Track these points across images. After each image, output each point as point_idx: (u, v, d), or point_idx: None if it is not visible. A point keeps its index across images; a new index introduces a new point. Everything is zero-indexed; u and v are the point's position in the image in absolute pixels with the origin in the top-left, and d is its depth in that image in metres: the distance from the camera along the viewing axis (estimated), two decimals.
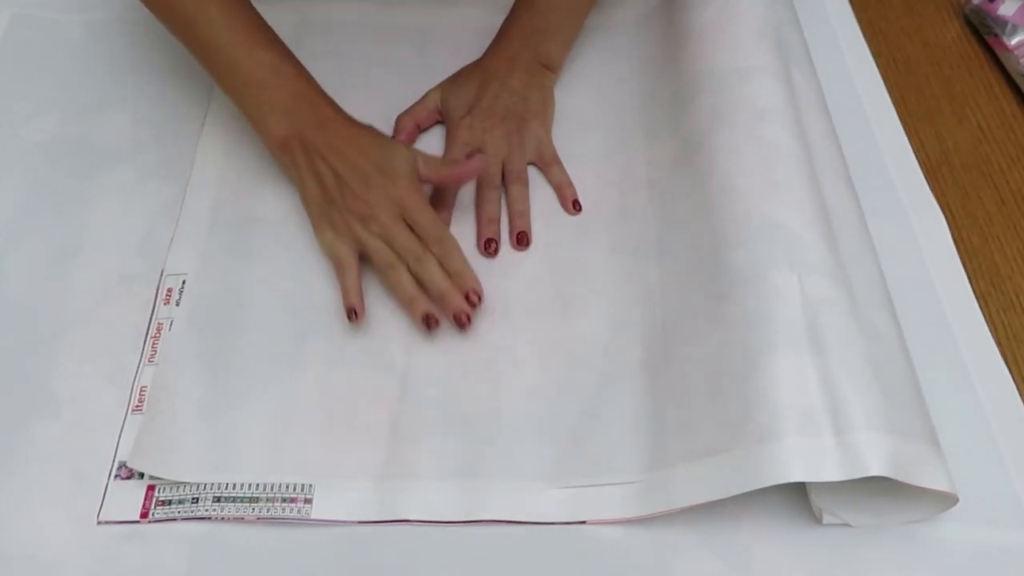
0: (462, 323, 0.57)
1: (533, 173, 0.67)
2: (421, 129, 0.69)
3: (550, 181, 0.66)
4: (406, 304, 0.58)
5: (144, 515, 0.51)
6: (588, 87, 0.71)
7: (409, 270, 0.58)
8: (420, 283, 0.58)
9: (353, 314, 0.57)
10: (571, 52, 0.71)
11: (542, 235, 0.63)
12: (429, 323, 0.57)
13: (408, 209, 0.59)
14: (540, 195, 0.65)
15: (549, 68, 0.69)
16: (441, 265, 0.58)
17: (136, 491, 0.52)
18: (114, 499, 0.51)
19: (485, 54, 0.70)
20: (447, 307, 0.57)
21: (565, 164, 0.67)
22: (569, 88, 0.71)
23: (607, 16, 0.75)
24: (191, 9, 0.60)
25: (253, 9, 0.62)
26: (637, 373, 0.56)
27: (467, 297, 0.57)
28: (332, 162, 0.59)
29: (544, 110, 0.68)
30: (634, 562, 0.50)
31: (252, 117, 0.61)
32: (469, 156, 0.64)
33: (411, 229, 0.59)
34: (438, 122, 0.69)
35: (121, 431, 0.54)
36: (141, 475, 0.52)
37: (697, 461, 0.49)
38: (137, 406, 0.55)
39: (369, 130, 0.62)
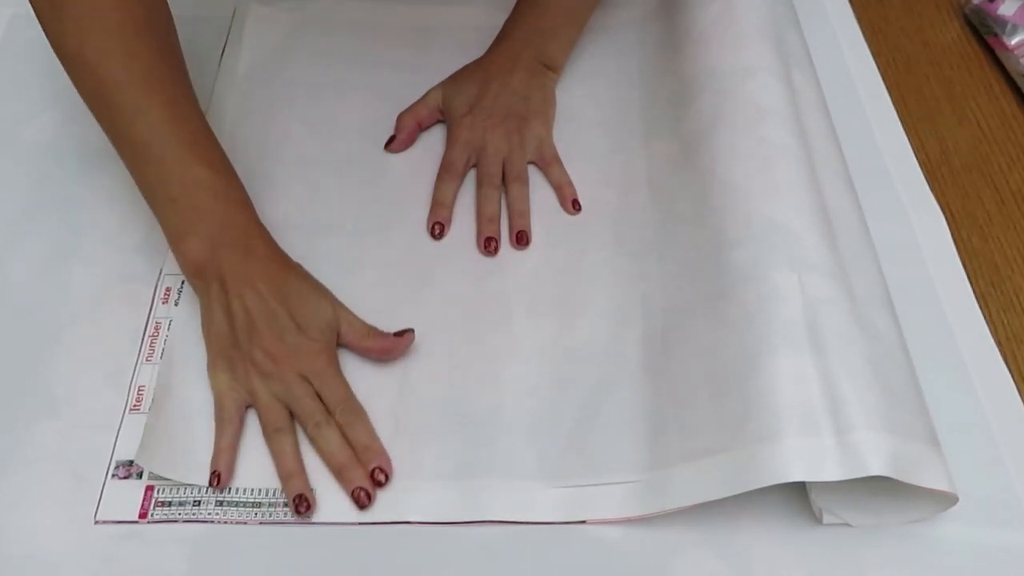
0: (362, 503, 0.50)
1: (533, 173, 0.67)
2: (422, 127, 0.69)
3: (550, 181, 0.66)
4: (281, 479, 0.51)
5: (143, 515, 0.51)
6: (588, 87, 0.71)
7: (308, 435, 0.53)
8: (318, 451, 0.53)
9: (216, 479, 0.51)
10: (573, 52, 0.71)
11: (542, 235, 0.63)
12: (299, 506, 0.50)
13: (317, 372, 0.54)
14: (540, 195, 0.65)
15: (551, 68, 0.69)
16: (345, 435, 0.52)
17: (134, 491, 0.51)
18: (112, 499, 0.51)
19: (487, 53, 0.70)
20: (346, 482, 0.51)
21: (565, 164, 0.66)
22: (569, 88, 0.71)
23: (607, 16, 0.75)
24: (130, 106, 0.54)
25: (200, 116, 0.57)
26: (637, 373, 0.56)
27: (372, 473, 0.51)
28: (247, 302, 0.53)
29: (545, 110, 0.68)
30: (634, 562, 0.50)
31: (172, 234, 0.55)
32: (399, 333, 0.56)
33: (318, 395, 0.53)
34: (439, 121, 0.69)
35: (119, 431, 0.54)
36: (139, 475, 0.52)
37: (697, 461, 0.49)
38: (135, 405, 0.55)
39: (296, 273, 0.57)
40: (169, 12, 0.58)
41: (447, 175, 0.65)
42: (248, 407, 0.54)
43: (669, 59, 0.68)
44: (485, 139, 0.66)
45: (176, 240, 0.55)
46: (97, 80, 0.54)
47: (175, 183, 0.55)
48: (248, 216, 0.57)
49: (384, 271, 0.61)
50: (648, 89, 0.70)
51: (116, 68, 0.54)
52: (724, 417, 0.49)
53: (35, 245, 0.62)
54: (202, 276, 0.55)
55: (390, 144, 0.67)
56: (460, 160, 0.65)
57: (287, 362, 0.53)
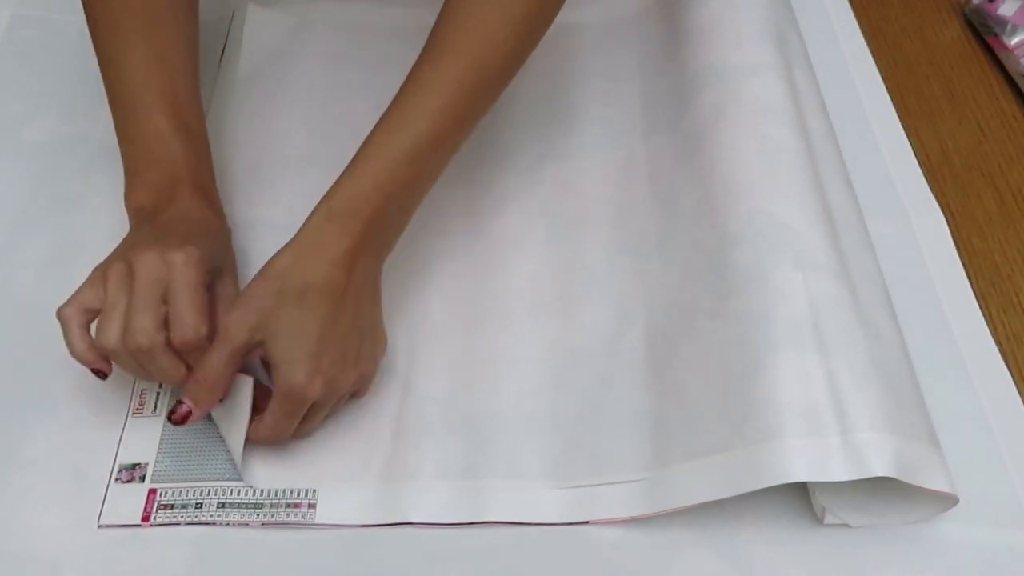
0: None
1: (536, 170, 0.66)
2: None
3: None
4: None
5: (146, 519, 0.51)
6: (589, 83, 0.71)
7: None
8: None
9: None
10: (573, 48, 0.71)
11: (542, 234, 0.63)
12: (97, 374, 0.51)
13: (173, 291, 0.49)
14: (541, 192, 0.65)
15: None
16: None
17: (137, 494, 0.51)
18: (115, 502, 0.51)
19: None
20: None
21: (567, 161, 0.66)
22: (571, 84, 0.71)
23: (608, 12, 0.75)
24: (120, 46, 0.57)
25: (188, 75, 0.59)
26: (639, 371, 0.55)
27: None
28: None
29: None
30: (634, 562, 0.50)
31: (125, 176, 0.57)
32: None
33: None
34: None
35: (122, 433, 0.54)
36: (142, 478, 0.52)
37: (699, 460, 0.49)
38: (138, 409, 0.55)
39: (204, 231, 0.54)
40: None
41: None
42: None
43: (670, 55, 0.68)
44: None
45: (126, 181, 0.56)
46: (100, 10, 0.57)
47: (132, 127, 0.56)
48: (191, 172, 0.56)
49: (383, 270, 0.61)
50: (649, 85, 0.70)
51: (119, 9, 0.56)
52: (727, 416, 0.49)
53: (35, 245, 0.62)
54: (136, 219, 0.55)
55: None
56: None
57: (146, 269, 0.49)
